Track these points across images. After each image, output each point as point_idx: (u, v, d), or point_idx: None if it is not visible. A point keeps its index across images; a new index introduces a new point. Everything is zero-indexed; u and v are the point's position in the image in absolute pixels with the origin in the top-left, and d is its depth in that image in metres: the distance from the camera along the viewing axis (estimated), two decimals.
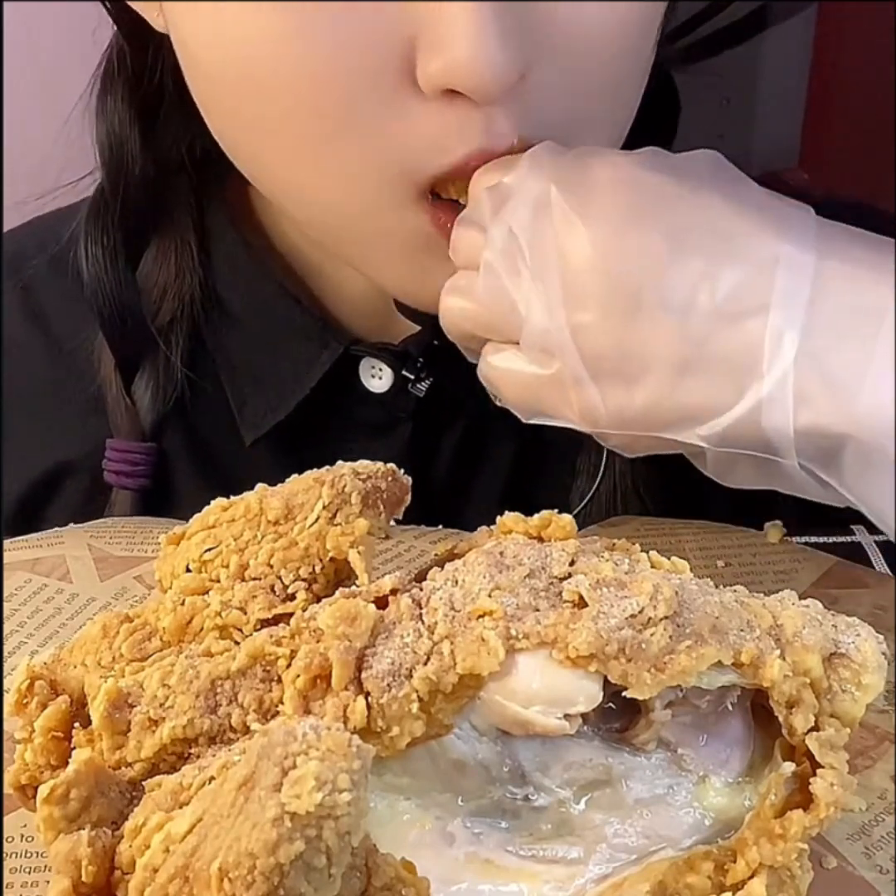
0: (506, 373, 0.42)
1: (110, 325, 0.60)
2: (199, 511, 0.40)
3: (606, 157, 0.41)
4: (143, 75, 0.57)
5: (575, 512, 0.55)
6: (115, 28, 0.56)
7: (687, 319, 0.37)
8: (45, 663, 0.37)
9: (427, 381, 0.59)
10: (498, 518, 0.39)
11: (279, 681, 0.34)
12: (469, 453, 0.62)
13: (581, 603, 0.34)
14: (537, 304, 0.39)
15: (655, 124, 0.59)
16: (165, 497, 0.62)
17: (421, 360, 0.58)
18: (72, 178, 0.62)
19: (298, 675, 0.33)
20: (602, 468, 0.58)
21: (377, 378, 0.59)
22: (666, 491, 0.58)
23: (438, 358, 0.58)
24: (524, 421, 0.43)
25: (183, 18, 0.46)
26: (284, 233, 0.60)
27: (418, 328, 0.57)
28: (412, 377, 0.58)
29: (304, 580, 0.38)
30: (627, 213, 0.39)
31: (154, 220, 0.61)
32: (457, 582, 0.35)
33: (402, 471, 0.40)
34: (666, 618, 0.33)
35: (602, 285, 0.38)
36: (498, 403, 0.45)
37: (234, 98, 0.45)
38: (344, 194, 0.46)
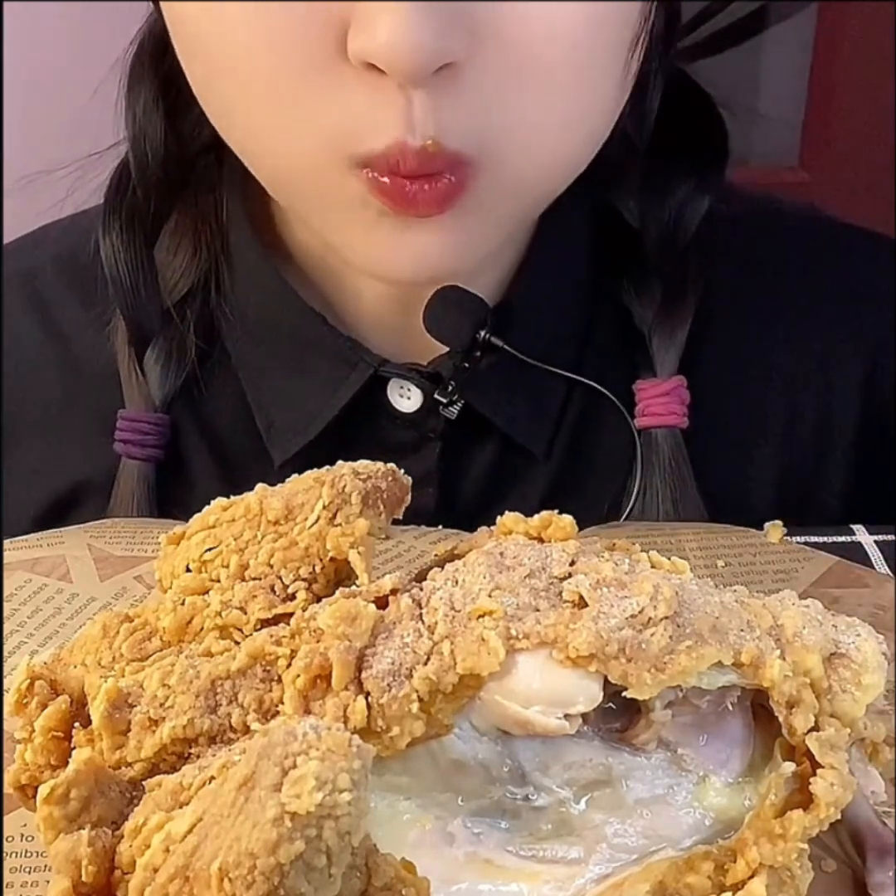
0: None
1: (124, 296, 0.59)
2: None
3: None
4: (168, 50, 0.58)
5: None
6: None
7: None
8: (45, 663, 0.37)
9: (459, 404, 0.57)
10: (498, 519, 0.39)
11: (279, 681, 0.34)
12: (501, 474, 0.61)
13: (581, 603, 0.34)
14: None
15: (700, 152, 0.59)
16: (176, 472, 0.61)
17: (452, 383, 0.57)
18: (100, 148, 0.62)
19: (298, 675, 0.33)
20: (637, 487, 0.57)
21: (406, 398, 0.58)
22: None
23: (469, 380, 0.57)
24: None
25: None
26: (304, 246, 0.60)
27: (445, 348, 0.56)
28: (444, 401, 0.57)
29: (304, 580, 0.38)
30: None
31: (174, 196, 0.61)
32: (457, 582, 0.35)
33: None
34: (666, 618, 0.33)
35: None
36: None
37: (205, 63, 0.47)
38: (290, 155, 0.47)
